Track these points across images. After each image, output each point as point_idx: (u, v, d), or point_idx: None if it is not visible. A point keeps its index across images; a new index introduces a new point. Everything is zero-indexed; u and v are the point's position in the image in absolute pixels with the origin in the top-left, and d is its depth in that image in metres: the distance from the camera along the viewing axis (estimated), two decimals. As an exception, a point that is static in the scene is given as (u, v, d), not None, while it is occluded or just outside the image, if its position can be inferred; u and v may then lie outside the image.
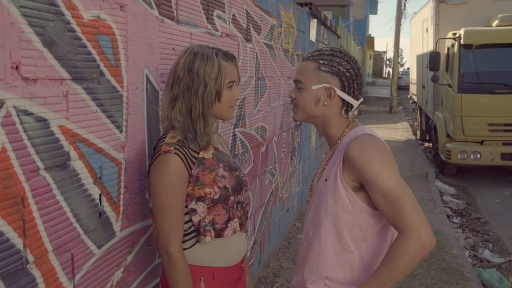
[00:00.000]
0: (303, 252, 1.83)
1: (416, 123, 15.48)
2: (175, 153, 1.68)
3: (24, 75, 1.30)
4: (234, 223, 1.82)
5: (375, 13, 42.45)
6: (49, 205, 1.43)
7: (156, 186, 1.69)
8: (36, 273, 1.40)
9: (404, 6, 22.37)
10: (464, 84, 8.43)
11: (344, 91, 1.69)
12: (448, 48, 9.22)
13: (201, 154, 1.78)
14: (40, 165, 1.39)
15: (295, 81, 1.76)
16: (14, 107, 1.28)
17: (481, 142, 8.45)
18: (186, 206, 1.74)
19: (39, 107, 1.37)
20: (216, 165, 1.80)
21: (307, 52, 5.79)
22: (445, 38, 9.17)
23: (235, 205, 1.83)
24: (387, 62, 62.26)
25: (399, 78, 23.73)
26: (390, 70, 58.79)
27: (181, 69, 1.73)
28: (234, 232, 1.82)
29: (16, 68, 1.28)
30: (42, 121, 1.39)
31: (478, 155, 8.35)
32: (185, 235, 1.77)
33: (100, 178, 1.69)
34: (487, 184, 8.70)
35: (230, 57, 1.78)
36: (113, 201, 1.78)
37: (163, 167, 1.68)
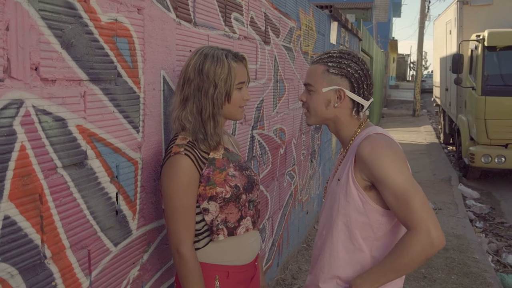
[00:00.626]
0: (316, 251, 1.84)
1: (439, 126, 15.28)
2: (185, 154, 1.71)
3: (43, 75, 1.35)
4: (247, 222, 1.84)
5: (399, 16, 42.08)
6: (66, 202, 1.47)
7: (167, 187, 1.72)
8: (54, 268, 1.44)
9: (428, 8, 22.11)
10: (488, 86, 8.29)
11: (353, 92, 1.70)
12: (472, 50, 9.09)
13: (211, 155, 1.80)
14: (58, 163, 1.43)
15: (305, 85, 1.78)
16: (33, 106, 1.33)
17: (506, 146, 8.30)
18: (198, 206, 1.77)
19: (57, 107, 1.41)
20: (226, 165, 1.82)
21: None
22: (469, 40, 9.05)
23: (247, 204, 1.85)
24: (411, 65, 61.57)
25: (422, 81, 23.50)
26: (414, 73, 58.13)
27: (191, 70, 1.76)
28: (247, 230, 1.84)
29: (36, 69, 1.33)
30: (60, 120, 1.43)
31: (503, 159, 8.20)
32: (198, 234, 1.79)
33: (117, 177, 1.72)
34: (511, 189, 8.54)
35: (239, 58, 1.80)
36: (130, 199, 1.81)
37: (173, 168, 1.71)
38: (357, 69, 1.70)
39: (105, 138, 1.65)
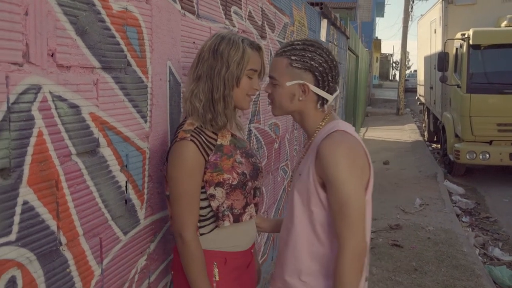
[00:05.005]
0: (282, 243, 1.84)
1: (423, 125, 15.47)
2: (191, 140, 1.73)
3: (59, 62, 1.35)
4: (251, 209, 1.87)
5: (382, 15, 42.38)
6: (80, 189, 1.48)
7: (172, 172, 1.74)
8: (68, 255, 1.44)
9: (411, 8, 22.34)
10: (473, 84, 8.43)
11: (318, 86, 1.68)
12: (457, 49, 9.23)
13: (219, 141, 1.81)
14: (73, 150, 1.43)
15: (270, 77, 1.76)
16: (50, 92, 1.33)
17: (490, 142, 8.45)
18: (205, 192, 1.78)
19: (72, 94, 1.41)
20: (233, 152, 1.84)
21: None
22: (454, 39, 9.19)
23: (252, 191, 1.87)
24: (394, 65, 62.20)
25: (405, 80, 23.70)
26: (396, 72, 58.72)
27: (206, 50, 1.78)
28: (251, 217, 1.88)
29: (52, 55, 1.33)
30: (75, 107, 1.43)
31: (487, 155, 8.35)
32: (204, 220, 1.81)
33: (126, 166, 1.73)
34: (496, 184, 8.69)
35: (255, 46, 1.82)
36: (138, 189, 1.82)
37: (178, 154, 1.73)
38: (321, 61, 1.66)
39: (115, 126, 1.65)
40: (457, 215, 6.81)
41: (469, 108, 8.39)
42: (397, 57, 61.47)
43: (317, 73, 1.66)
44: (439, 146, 12.16)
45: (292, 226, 1.74)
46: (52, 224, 1.36)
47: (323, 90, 1.68)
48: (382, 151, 11.82)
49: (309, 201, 1.66)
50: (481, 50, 8.50)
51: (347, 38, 9.46)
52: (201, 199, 1.80)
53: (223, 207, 1.80)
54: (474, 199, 7.80)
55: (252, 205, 1.89)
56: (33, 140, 1.27)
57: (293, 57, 1.67)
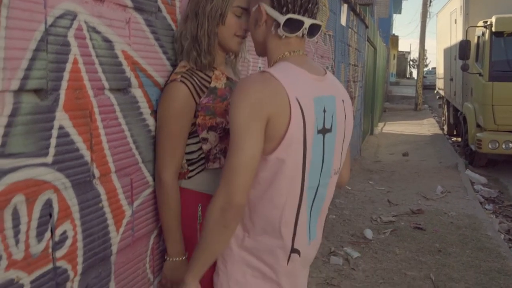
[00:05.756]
0: None
1: (443, 118, 15.30)
2: (181, 81, 1.68)
3: (93, -7, 1.35)
4: None
5: (399, 12, 42.01)
6: (112, 125, 1.48)
7: (159, 113, 1.69)
8: (101, 189, 1.44)
9: (430, 2, 22.11)
10: (495, 72, 8.30)
11: (273, 7, 1.51)
12: (478, 37, 9.10)
13: (213, 84, 1.76)
14: (106, 84, 1.43)
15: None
16: (85, 22, 1.33)
17: (513, 131, 8.31)
18: (197, 136, 1.73)
19: (105, 28, 1.42)
20: (228, 95, 1.78)
21: (339, 35, 5.69)
22: (476, 26, 9.06)
23: None
24: (411, 63, 61.65)
25: (423, 77, 23.44)
26: (413, 70, 58.19)
27: None
28: None
29: (86, -15, 1.33)
30: (108, 42, 1.43)
31: (510, 144, 8.21)
32: (193, 163, 1.76)
33: (155, 111, 1.72)
34: (519, 174, 8.55)
35: None
36: (167, 137, 1.81)
37: (167, 95, 1.68)
38: None
39: (146, 69, 1.65)
40: (480, 203, 6.71)
41: (491, 96, 8.27)
42: (414, 55, 60.95)
43: None
44: (459, 139, 12.01)
45: None
46: (86, 154, 1.36)
47: (279, 12, 1.50)
48: (401, 144, 11.71)
49: None
50: (504, 37, 8.36)
51: (366, 27, 9.39)
52: (193, 143, 1.75)
53: (216, 150, 1.75)
54: (497, 189, 7.67)
55: None
56: (69, 66, 1.27)
57: None
